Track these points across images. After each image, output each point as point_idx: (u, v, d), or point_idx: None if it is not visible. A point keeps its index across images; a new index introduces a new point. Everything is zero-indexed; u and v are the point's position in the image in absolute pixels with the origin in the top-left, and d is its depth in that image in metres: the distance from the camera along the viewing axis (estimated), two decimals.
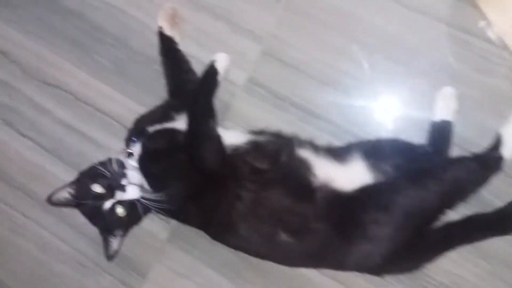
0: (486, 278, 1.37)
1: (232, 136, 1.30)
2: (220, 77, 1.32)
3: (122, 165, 1.27)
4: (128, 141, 1.33)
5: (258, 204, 1.21)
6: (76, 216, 1.29)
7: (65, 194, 1.26)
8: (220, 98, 1.48)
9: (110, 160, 1.29)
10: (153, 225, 1.55)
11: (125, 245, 1.55)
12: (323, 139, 1.39)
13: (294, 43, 1.47)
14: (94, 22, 1.63)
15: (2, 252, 1.74)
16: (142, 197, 1.25)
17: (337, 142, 1.39)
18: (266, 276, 1.51)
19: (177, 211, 1.31)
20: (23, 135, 1.69)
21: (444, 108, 1.34)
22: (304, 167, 1.24)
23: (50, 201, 1.27)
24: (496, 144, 1.26)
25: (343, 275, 1.44)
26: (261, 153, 1.26)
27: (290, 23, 1.48)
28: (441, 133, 1.33)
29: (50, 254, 1.69)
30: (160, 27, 1.49)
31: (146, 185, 1.28)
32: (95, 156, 1.42)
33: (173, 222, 1.55)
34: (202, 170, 1.24)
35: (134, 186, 1.24)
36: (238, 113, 1.51)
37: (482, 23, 1.36)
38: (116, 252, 1.33)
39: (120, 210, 1.23)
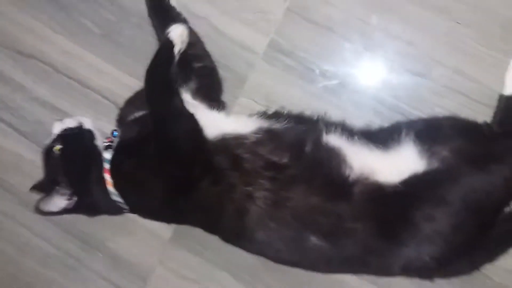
0: None
1: (237, 122, 1.18)
2: (177, 50, 1.17)
3: None
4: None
5: (278, 206, 1.09)
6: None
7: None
8: (234, 69, 1.34)
9: None
10: (155, 224, 1.39)
11: (122, 246, 1.47)
12: (362, 119, 1.24)
13: None
14: None
15: None
16: None
17: (380, 122, 1.23)
18: (292, 281, 1.37)
19: (165, 213, 1.24)
20: None
21: None
22: (335, 158, 1.11)
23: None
24: None
25: (385, 278, 1.30)
26: (278, 144, 1.13)
27: None
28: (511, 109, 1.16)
29: (34, 257, 1.53)
30: None
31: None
32: None
33: None
34: (180, 160, 1.13)
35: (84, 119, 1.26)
36: (256, 88, 1.33)
37: None
38: (50, 213, 1.21)
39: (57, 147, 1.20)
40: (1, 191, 1.52)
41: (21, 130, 1.49)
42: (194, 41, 1.28)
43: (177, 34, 1.17)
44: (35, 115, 1.47)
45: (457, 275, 1.22)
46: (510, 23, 1.17)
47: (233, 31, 1.31)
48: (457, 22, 1.21)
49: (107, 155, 1.20)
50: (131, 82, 1.36)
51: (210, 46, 1.30)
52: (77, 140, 1.24)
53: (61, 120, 1.25)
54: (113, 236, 1.44)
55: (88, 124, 1.27)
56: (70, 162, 1.22)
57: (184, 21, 1.27)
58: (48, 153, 1.22)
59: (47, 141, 1.23)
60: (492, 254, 1.17)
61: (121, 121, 1.28)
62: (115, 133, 1.23)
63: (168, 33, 1.17)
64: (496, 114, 1.18)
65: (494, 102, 1.17)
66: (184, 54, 1.23)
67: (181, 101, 1.15)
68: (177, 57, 1.16)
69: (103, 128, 1.34)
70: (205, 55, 1.30)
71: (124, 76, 1.39)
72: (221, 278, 1.40)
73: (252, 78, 1.32)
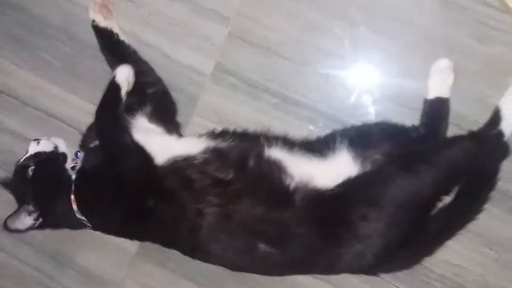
0: (492, 267, 1.30)
1: (186, 145, 1.23)
2: (123, 92, 1.23)
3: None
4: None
5: (226, 219, 1.14)
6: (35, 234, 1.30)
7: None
8: (185, 90, 1.40)
9: None
10: (121, 239, 1.42)
11: (91, 261, 1.53)
12: (303, 129, 1.33)
13: (265, 21, 1.34)
14: (35, 14, 1.49)
15: None
16: None
17: (319, 131, 1.31)
18: (252, 284, 1.42)
19: (124, 231, 1.30)
20: None
21: (438, 83, 1.22)
22: (276, 170, 1.16)
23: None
24: (495, 119, 1.17)
25: (336, 276, 1.34)
26: (224, 161, 1.18)
27: None
28: (436, 112, 1.23)
29: (13, 278, 1.58)
30: (93, 21, 1.36)
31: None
32: None
33: None
34: (132, 190, 1.18)
35: (50, 143, 1.30)
36: (206, 107, 1.40)
37: None
38: (18, 231, 1.24)
39: (30, 169, 1.24)
40: None
41: None
42: (145, 69, 1.34)
43: (123, 77, 1.22)
44: (7, 145, 1.54)
45: (399, 270, 1.27)
46: (432, 34, 1.26)
47: (181, 56, 1.38)
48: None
49: (73, 176, 1.25)
50: (92, 109, 1.32)
51: (162, 71, 1.37)
52: (50, 164, 1.27)
53: (37, 140, 1.28)
54: (83, 253, 1.49)
55: (62, 146, 1.31)
56: (40, 184, 1.25)
57: (134, 53, 1.35)
58: (19, 171, 1.26)
59: (21, 158, 1.27)
60: (430, 247, 1.22)
61: (84, 146, 1.32)
62: (79, 154, 1.28)
63: (114, 76, 1.22)
64: (422, 117, 1.23)
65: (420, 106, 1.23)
66: (137, 82, 1.29)
67: (130, 138, 1.20)
68: (124, 98, 1.22)
69: (69, 153, 1.36)
70: (157, 81, 1.35)
71: (85, 103, 1.45)
72: (185, 286, 1.45)
73: (202, 98, 1.38)
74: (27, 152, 1.28)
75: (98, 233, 1.35)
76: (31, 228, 1.25)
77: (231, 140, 1.22)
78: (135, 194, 1.18)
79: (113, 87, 1.21)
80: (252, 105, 1.36)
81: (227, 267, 1.26)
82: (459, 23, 1.23)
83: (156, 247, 1.38)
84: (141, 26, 1.39)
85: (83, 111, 1.44)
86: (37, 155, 1.27)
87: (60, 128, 1.49)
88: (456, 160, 1.13)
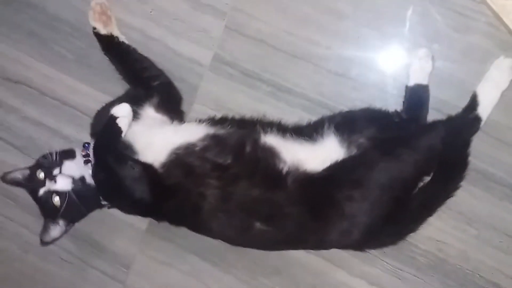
0: (472, 243, 1.35)
1: (187, 132, 1.27)
2: (123, 135, 1.23)
3: (65, 155, 1.29)
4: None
5: (225, 200, 1.20)
6: None
7: (18, 175, 1.31)
8: (186, 80, 1.46)
9: (66, 150, 1.32)
10: (131, 216, 1.51)
11: (106, 238, 1.61)
12: (295, 115, 1.38)
13: (259, 15, 1.40)
14: (49, 11, 1.55)
15: None
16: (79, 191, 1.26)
17: (310, 117, 1.36)
18: (251, 258, 1.50)
19: (139, 211, 1.35)
20: None
21: (418, 71, 1.27)
22: (271, 155, 1.21)
23: (4, 178, 1.31)
24: (472, 104, 1.22)
25: (328, 251, 1.41)
26: (223, 147, 1.23)
27: None
28: (416, 98, 1.28)
29: (34, 253, 1.69)
30: (94, 28, 1.40)
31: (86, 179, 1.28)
32: None
33: None
34: (141, 197, 1.22)
35: (66, 178, 1.24)
36: (206, 95, 1.46)
37: None
38: (54, 239, 1.31)
39: (56, 200, 1.24)
40: (3, 198, 1.68)
41: (16, 145, 1.64)
42: (148, 65, 1.41)
43: (126, 123, 1.22)
44: (27, 132, 1.62)
45: (385, 246, 1.33)
46: (413, 25, 1.31)
47: (182, 48, 1.45)
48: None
49: (89, 169, 1.27)
50: (102, 98, 1.46)
51: (165, 62, 1.44)
52: (79, 198, 1.26)
53: (67, 176, 1.24)
54: (98, 229, 1.58)
55: (74, 169, 1.27)
56: (70, 210, 1.27)
57: (134, 51, 1.40)
58: (44, 198, 1.24)
59: (44, 187, 1.24)
60: (413, 224, 1.27)
61: (94, 135, 1.34)
62: (87, 145, 1.31)
63: (115, 118, 1.21)
64: (403, 103, 1.28)
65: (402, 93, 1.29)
66: (142, 77, 1.37)
67: (131, 166, 1.20)
68: (124, 135, 1.23)
69: (83, 139, 1.42)
70: (159, 74, 1.41)
71: (97, 93, 1.52)
72: (191, 260, 1.53)
73: (202, 87, 1.45)
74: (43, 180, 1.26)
75: (111, 211, 1.42)
76: (66, 232, 1.32)
77: (229, 127, 1.27)
78: (143, 199, 1.23)
79: (114, 129, 1.22)
80: (247, 93, 1.42)
81: (227, 242, 1.34)
82: (438, 14, 1.28)
83: (164, 224, 1.44)
84: (145, 21, 1.46)
85: (95, 99, 1.50)
86: (66, 194, 1.25)
87: (74, 115, 1.57)
88: (435, 144, 1.17)
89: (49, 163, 1.27)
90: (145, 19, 1.47)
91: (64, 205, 1.24)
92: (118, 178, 1.20)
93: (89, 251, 1.63)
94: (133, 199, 1.22)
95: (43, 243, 1.30)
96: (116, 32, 1.42)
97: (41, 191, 1.25)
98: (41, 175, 1.26)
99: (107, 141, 1.24)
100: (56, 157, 1.27)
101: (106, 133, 1.25)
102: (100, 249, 1.62)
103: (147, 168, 1.22)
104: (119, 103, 1.29)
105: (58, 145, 1.53)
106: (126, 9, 1.48)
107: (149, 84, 1.39)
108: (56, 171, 1.25)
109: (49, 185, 1.25)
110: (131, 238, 1.59)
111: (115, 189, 1.24)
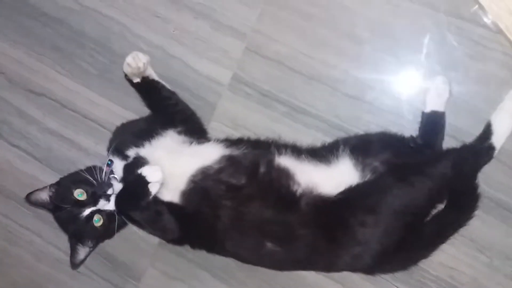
0: (484, 271, 1.35)
1: (203, 154, 1.27)
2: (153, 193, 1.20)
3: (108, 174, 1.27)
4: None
5: (238, 220, 1.21)
6: None
7: (44, 195, 1.28)
8: (205, 98, 1.49)
9: (95, 167, 1.30)
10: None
11: (118, 250, 1.62)
12: (310, 136, 1.39)
13: (278, 37, 1.43)
14: (74, 27, 1.59)
15: (1, 262, 1.76)
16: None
17: (325, 138, 1.38)
18: (261, 276, 1.50)
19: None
20: (13, 145, 1.69)
21: (435, 98, 1.28)
22: (285, 176, 1.22)
23: (29, 199, 1.28)
24: (486, 133, 1.22)
25: (339, 273, 1.42)
26: (237, 167, 1.24)
27: (272, 17, 1.44)
28: (432, 124, 1.29)
29: (46, 262, 1.71)
30: (126, 75, 1.39)
31: None
32: (84, 163, 1.43)
33: None
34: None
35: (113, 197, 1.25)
36: (224, 113, 1.49)
37: (474, 8, 1.29)
38: (82, 261, 1.33)
39: (97, 220, 1.24)
40: (18, 206, 1.69)
41: (36, 156, 1.66)
42: (176, 101, 1.41)
43: (157, 188, 1.19)
44: (47, 143, 1.65)
45: (396, 271, 1.33)
46: (430, 53, 1.33)
47: (202, 67, 1.48)
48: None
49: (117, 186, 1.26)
50: (122, 113, 1.52)
51: (185, 80, 1.48)
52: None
53: (108, 200, 1.24)
54: (110, 241, 1.49)
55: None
56: (107, 230, 1.29)
57: (163, 88, 1.40)
58: (85, 220, 1.23)
59: (92, 207, 1.23)
60: (425, 250, 1.27)
61: (118, 151, 1.31)
62: (109, 162, 1.29)
63: (147, 182, 1.18)
64: (419, 129, 1.29)
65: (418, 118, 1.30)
66: (168, 112, 1.38)
67: (156, 214, 1.21)
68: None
69: (102, 152, 1.49)
70: (185, 107, 1.42)
71: (117, 107, 1.56)
72: (202, 277, 1.53)
73: (220, 105, 1.47)
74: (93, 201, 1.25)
75: None
76: (91, 253, 1.35)
77: (244, 148, 1.27)
78: (169, 235, 1.29)
79: (143, 191, 1.18)
80: (264, 113, 1.45)
81: (239, 261, 1.35)
82: (455, 42, 1.30)
83: None
84: (167, 40, 1.50)
85: (115, 114, 1.55)
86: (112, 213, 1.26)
87: (94, 128, 1.59)
88: (448, 173, 1.17)
89: (93, 183, 1.24)
90: (167, 38, 1.51)
91: (103, 226, 1.24)
92: (144, 224, 1.23)
93: (100, 262, 1.64)
94: (160, 235, 1.31)
95: (74, 265, 1.31)
96: (148, 72, 1.39)
97: (87, 211, 1.22)
98: (84, 195, 1.22)
99: (135, 201, 1.21)
100: (103, 175, 1.25)
101: (134, 193, 1.21)
102: (111, 261, 1.63)
103: (170, 207, 1.23)
104: (144, 125, 1.35)
105: (76, 156, 1.62)
106: (149, 27, 1.52)
107: (174, 117, 1.40)
108: (110, 191, 1.24)
109: (101, 205, 1.23)
110: (143, 251, 1.60)
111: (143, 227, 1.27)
